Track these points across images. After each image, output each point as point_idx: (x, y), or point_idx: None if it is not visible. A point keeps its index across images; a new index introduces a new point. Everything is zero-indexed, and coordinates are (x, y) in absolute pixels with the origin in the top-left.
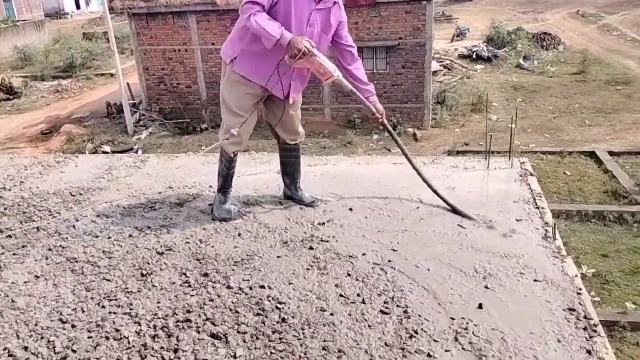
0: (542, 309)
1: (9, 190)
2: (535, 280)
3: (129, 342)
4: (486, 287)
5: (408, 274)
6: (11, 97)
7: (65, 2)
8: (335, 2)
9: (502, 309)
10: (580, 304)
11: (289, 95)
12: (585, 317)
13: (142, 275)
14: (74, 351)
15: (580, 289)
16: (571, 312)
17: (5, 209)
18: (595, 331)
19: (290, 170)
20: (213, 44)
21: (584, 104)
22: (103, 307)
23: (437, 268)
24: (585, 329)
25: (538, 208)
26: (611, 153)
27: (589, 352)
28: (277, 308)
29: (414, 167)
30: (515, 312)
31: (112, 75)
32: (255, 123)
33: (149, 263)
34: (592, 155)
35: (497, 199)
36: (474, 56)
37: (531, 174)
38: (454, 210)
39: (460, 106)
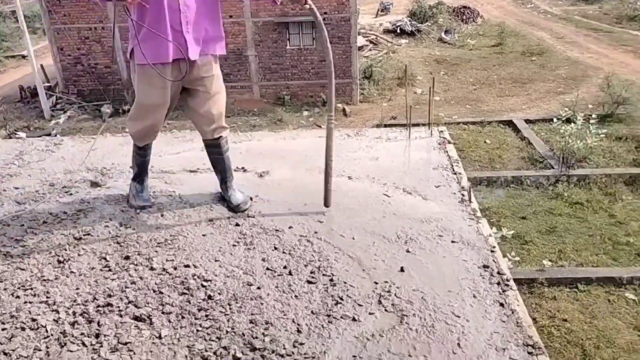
0: (459, 268)
1: None
2: (452, 242)
3: (47, 331)
4: (407, 251)
5: (333, 244)
6: None
7: None
8: None
9: (423, 271)
10: (494, 261)
11: (193, 54)
12: (498, 273)
13: (59, 262)
14: None
15: (494, 247)
16: (485, 269)
17: None
18: (507, 285)
19: (218, 167)
20: None
21: (502, 75)
22: (17, 297)
23: (361, 236)
24: (498, 284)
25: (455, 174)
26: (527, 121)
27: (502, 304)
28: (203, 286)
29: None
30: (435, 273)
31: (23, 57)
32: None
33: (65, 249)
34: (510, 124)
35: (417, 167)
36: (398, 31)
37: (449, 142)
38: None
39: (387, 80)
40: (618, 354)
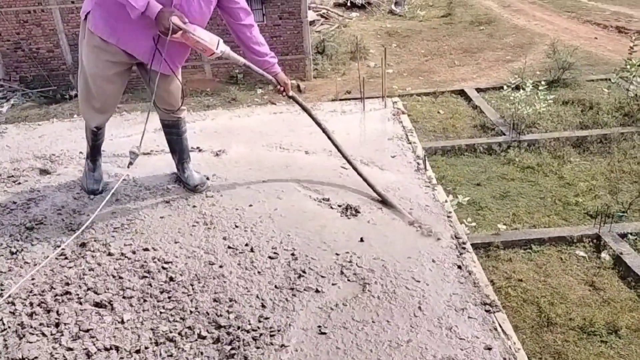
0: (417, 235)
1: None
2: (410, 210)
3: (3, 324)
4: (367, 222)
5: (294, 219)
6: None
7: None
8: None
9: (382, 240)
10: (450, 226)
11: (160, 64)
12: (455, 237)
13: (12, 253)
14: None
15: (450, 212)
16: (442, 234)
17: None
18: (464, 248)
19: (175, 148)
20: (73, 2)
21: (452, 45)
22: None
23: (321, 210)
24: (455, 247)
25: (410, 143)
26: (478, 90)
27: (459, 267)
28: (164, 268)
29: (335, 145)
30: (394, 241)
31: None
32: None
33: (17, 240)
34: (461, 93)
35: (373, 138)
36: (348, 4)
37: (403, 112)
38: (384, 202)
39: (340, 55)
40: (571, 308)
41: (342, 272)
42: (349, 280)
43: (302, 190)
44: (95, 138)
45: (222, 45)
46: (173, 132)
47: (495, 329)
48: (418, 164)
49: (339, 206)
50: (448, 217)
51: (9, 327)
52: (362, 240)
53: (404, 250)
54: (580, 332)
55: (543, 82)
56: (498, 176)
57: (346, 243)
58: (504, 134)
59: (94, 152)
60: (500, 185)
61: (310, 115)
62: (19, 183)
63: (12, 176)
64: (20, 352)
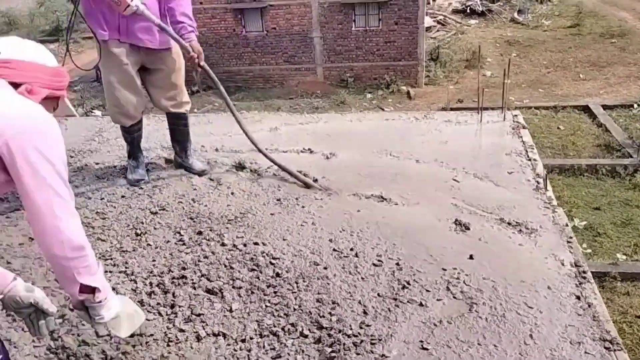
0: (533, 258)
1: None
2: (526, 231)
3: None
4: (479, 239)
5: (401, 228)
6: None
7: None
8: None
9: (494, 259)
10: (570, 252)
11: (135, 38)
12: (575, 264)
13: (137, 234)
14: (71, 310)
15: (570, 237)
16: (561, 260)
17: None
18: (584, 278)
19: (179, 137)
20: (201, 3)
21: (579, 57)
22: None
23: (429, 222)
24: (574, 275)
25: (530, 160)
26: (605, 107)
27: (578, 297)
28: (272, 263)
29: (242, 128)
30: (506, 262)
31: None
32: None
33: (142, 223)
34: (585, 109)
35: (489, 152)
36: (468, 11)
37: (523, 127)
38: (291, 174)
39: (455, 62)
40: None
41: (448, 288)
42: (455, 297)
43: (410, 199)
44: (129, 135)
45: (137, 0)
46: (180, 124)
47: None
48: (537, 182)
49: (448, 219)
50: (568, 242)
51: None
52: (471, 257)
53: (517, 272)
54: None
55: None
56: (621, 201)
57: (454, 259)
58: (631, 157)
59: (134, 150)
60: (622, 212)
61: (219, 89)
62: (148, 170)
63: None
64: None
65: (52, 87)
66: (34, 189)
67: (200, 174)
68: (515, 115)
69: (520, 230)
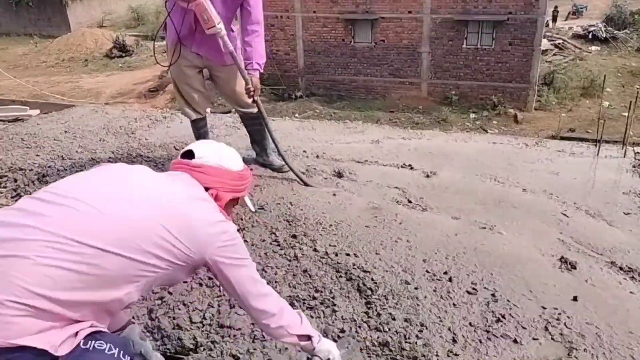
0: None
1: (120, 138)
2: (639, 276)
3: (219, 291)
4: (585, 281)
5: (499, 258)
6: (124, 54)
7: None
8: None
9: (600, 304)
10: None
11: (204, 51)
12: None
13: (237, 230)
14: (170, 293)
15: None
16: None
17: (113, 153)
18: None
19: (257, 138)
20: (315, 12)
21: None
22: None
23: (531, 255)
24: None
25: None
26: None
27: None
28: (360, 277)
29: (271, 135)
30: (615, 309)
31: None
32: (205, 92)
33: (242, 219)
34: None
35: (604, 189)
36: (589, 36)
37: None
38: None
39: (570, 89)
40: None
41: (546, 328)
42: (553, 339)
43: (513, 228)
44: (195, 127)
45: (222, 25)
46: (256, 123)
47: None
48: None
49: (553, 255)
50: None
51: (224, 294)
52: (575, 299)
53: (626, 322)
54: None
55: None
56: None
57: (556, 298)
58: None
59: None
60: None
61: (265, 122)
62: (251, 169)
63: (246, 162)
64: (228, 320)
65: (235, 191)
66: (235, 285)
67: (279, 171)
68: (638, 153)
69: (633, 277)
